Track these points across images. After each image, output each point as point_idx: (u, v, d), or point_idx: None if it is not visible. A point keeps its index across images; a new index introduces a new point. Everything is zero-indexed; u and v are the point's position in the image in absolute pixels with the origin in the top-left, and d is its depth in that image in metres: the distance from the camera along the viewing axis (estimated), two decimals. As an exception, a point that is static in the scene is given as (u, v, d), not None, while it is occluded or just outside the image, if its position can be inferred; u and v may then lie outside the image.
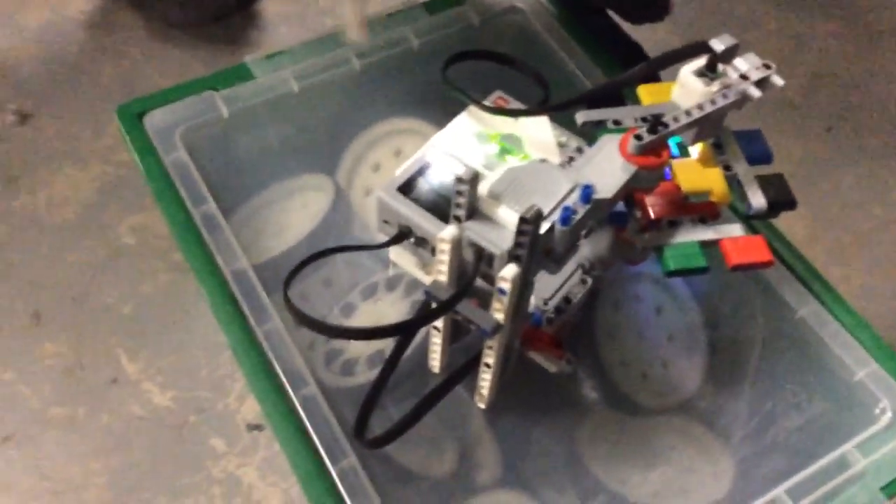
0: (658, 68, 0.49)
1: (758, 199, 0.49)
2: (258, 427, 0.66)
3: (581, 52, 0.65)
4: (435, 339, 0.50)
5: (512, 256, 0.40)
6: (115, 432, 0.65)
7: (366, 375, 0.55)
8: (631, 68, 0.59)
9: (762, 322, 0.57)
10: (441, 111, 0.60)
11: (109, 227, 0.76)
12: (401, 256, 0.55)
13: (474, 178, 0.40)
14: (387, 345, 0.54)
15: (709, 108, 0.46)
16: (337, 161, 0.66)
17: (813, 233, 0.83)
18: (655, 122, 0.44)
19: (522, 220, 0.38)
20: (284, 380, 0.48)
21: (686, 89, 0.48)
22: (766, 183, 0.50)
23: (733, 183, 0.50)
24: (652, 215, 0.48)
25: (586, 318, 0.59)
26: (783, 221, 0.53)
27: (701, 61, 0.48)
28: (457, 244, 0.41)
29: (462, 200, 0.40)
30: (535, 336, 0.49)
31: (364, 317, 0.59)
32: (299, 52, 0.62)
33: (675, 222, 0.48)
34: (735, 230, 0.48)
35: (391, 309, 0.59)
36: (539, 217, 0.38)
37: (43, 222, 0.76)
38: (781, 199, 0.49)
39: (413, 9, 0.67)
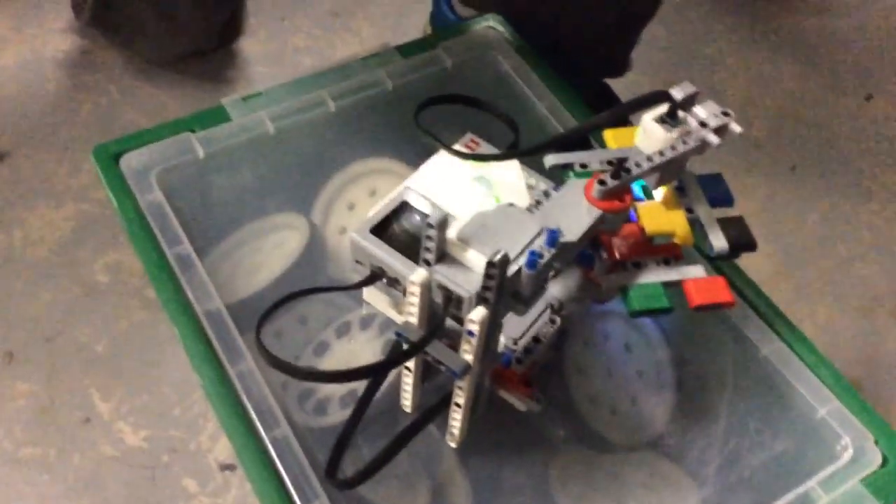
0: (623, 114, 0.50)
1: (719, 241, 0.50)
2: (230, 467, 0.66)
3: (551, 94, 0.67)
4: (406, 378, 0.50)
5: (480, 299, 0.41)
6: (87, 473, 0.65)
7: (339, 415, 0.55)
8: (599, 111, 0.61)
9: (728, 360, 0.58)
10: (415, 151, 0.62)
11: (84, 265, 0.76)
12: (374, 296, 0.55)
13: (443, 222, 0.41)
14: (360, 385, 0.54)
15: (669, 154, 0.47)
16: (312, 200, 0.67)
17: (779, 270, 0.85)
18: (618, 168, 0.45)
19: (489, 264, 0.39)
20: (256, 421, 0.49)
21: (648, 135, 0.49)
22: (726, 225, 0.51)
23: (696, 225, 0.51)
24: (617, 256, 0.49)
25: (556, 355, 0.60)
26: (749, 259, 0.55)
27: (663, 108, 0.49)
28: (426, 287, 0.42)
29: (431, 244, 0.41)
30: (505, 375, 0.50)
31: (338, 356, 0.60)
32: (275, 94, 0.63)
33: (640, 263, 0.50)
34: (698, 271, 0.50)
35: (365, 348, 0.60)
36: (506, 261, 0.39)
37: (17, 260, 0.76)
38: (742, 241, 0.51)
39: (387, 52, 0.68)
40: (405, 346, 0.44)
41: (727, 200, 0.52)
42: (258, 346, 0.43)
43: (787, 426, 0.54)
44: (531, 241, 0.42)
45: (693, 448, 0.58)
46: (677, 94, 0.48)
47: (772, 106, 0.99)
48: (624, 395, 0.60)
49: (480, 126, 0.64)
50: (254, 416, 0.49)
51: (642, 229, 0.50)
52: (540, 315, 0.52)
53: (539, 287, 0.43)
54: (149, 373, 0.70)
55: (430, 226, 0.41)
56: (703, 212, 0.51)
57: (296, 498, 0.46)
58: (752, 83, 1.01)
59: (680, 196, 0.52)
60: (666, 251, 0.50)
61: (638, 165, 0.46)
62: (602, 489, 0.56)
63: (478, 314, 0.41)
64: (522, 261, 0.41)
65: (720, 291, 0.49)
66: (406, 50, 0.68)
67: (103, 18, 0.91)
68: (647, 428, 0.60)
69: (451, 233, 0.42)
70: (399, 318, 0.54)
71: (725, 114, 0.49)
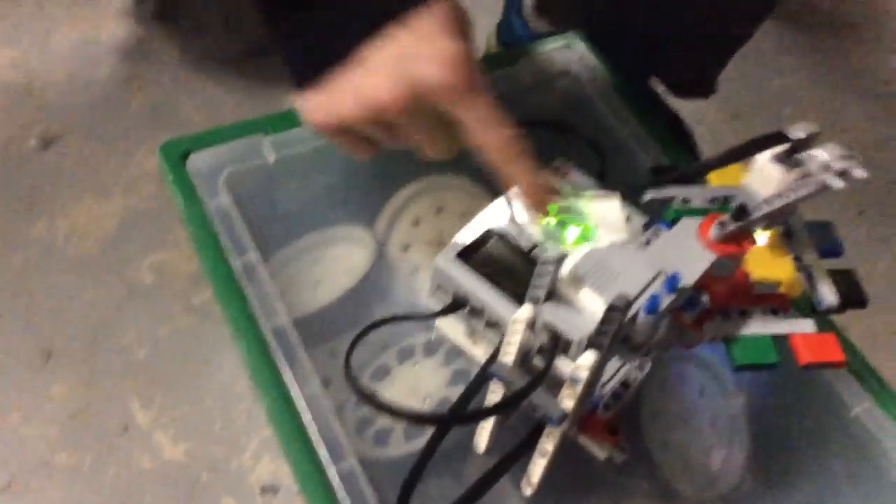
0: (738, 157, 0.47)
1: (829, 296, 0.47)
2: (272, 490, 0.63)
3: (634, 120, 0.64)
4: (486, 421, 0.47)
5: (591, 343, 0.38)
6: (124, 485, 0.62)
7: (401, 448, 0.52)
8: (672, 138, 0.58)
9: (813, 415, 0.55)
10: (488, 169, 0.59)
11: (129, 263, 0.73)
12: (447, 324, 0.52)
13: (560, 260, 0.38)
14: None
15: (792, 197, 0.44)
16: (376, 213, 0.64)
17: (845, 319, 0.81)
18: (740, 210, 0.42)
19: (611, 307, 0.36)
20: (323, 450, 0.46)
21: (763, 175, 0.46)
22: (836, 278, 0.48)
23: (803, 275, 0.48)
24: (719, 303, 0.46)
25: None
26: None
27: (779, 147, 0.46)
28: (531, 326, 0.39)
29: (543, 281, 0.38)
30: (591, 421, 0.47)
31: (399, 381, 0.57)
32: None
33: (745, 312, 0.47)
34: (807, 326, 0.46)
35: (429, 376, 0.56)
36: (628, 305, 0.36)
37: (61, 254, 0.73)
38: (853, 297, 0.47)
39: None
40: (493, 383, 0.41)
41: (837, 251, 0.49)
42: (349, 381, 0.40)
43: (879, 491, 0.51)
44: (648, 285, 0.39)
45: (774, 508, 0.55)
46: (798, 133, 0.45)
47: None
48: (696, 444, 0.57)
49: (561, 150, 0.61)
50: (322, 444, 0.46)
51: (746, 275, 0.47)
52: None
53: (652, 333, 0.40)
54: (190, 383, 0.67)
55: (546, 262, 0.38)
56: (813, 262, 0.48)
57: (366, 540, 0.43)
58: (821, 121, 0.98)
59: (787, 242, 0.49)
60: (772, 301, 0.47)
61: (764, 206, 0.43)
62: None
63: (587, 359, 0.38)
64: (641, 305, 0.38)
65: (831, 350, 0.45)
66: (484, 63, 0.65)
67: (165, 11, 0.89)
68: (718, 482, 0.57)
69: (564, 270, 0.39)
70: (473, 350, 0.51)
71: (849, 157, 0.45)
